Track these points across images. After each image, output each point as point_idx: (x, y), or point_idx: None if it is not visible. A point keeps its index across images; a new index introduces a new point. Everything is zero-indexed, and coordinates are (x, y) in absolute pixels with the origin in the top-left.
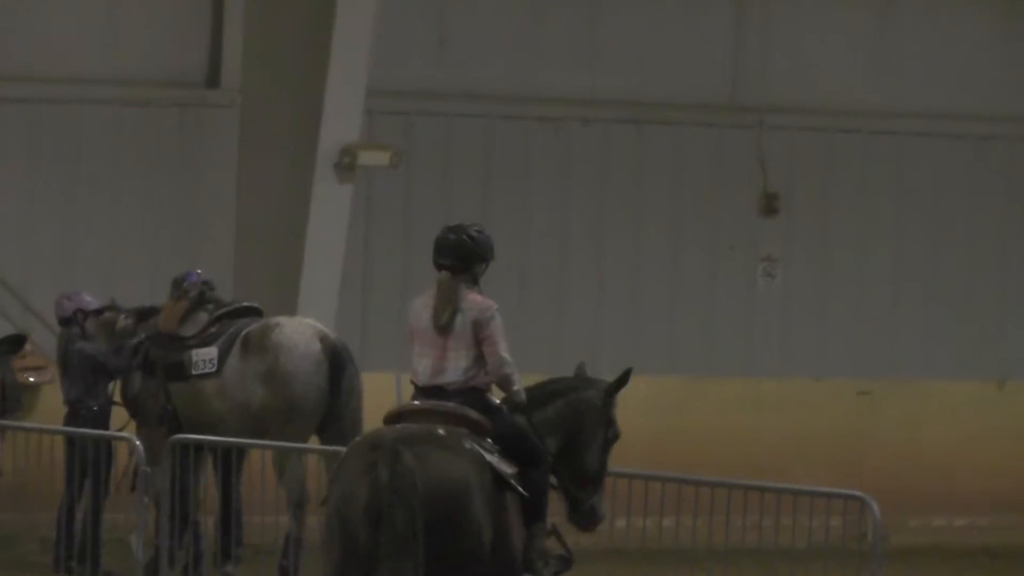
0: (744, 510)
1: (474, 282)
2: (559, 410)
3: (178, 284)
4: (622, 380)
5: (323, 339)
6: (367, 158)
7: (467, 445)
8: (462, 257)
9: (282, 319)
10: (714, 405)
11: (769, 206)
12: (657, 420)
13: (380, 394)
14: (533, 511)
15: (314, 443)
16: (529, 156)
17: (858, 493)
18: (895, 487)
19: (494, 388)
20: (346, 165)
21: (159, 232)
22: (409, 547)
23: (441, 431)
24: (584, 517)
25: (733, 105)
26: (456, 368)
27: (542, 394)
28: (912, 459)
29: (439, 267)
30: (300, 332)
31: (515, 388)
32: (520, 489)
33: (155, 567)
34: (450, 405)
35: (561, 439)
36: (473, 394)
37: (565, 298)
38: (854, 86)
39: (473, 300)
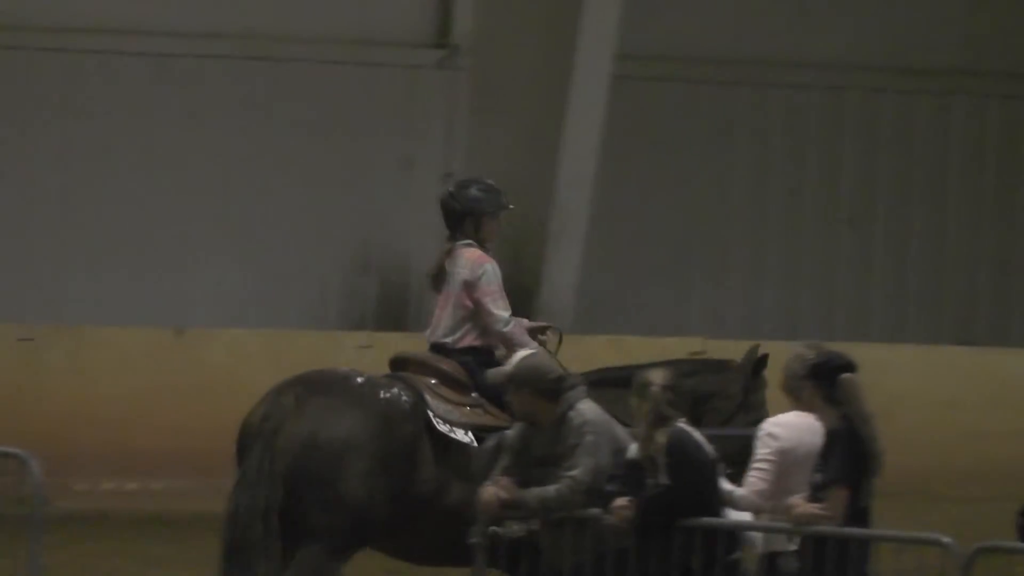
0: None
1: (469, 238)
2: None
3: None
4: (762, 362)
5: None
6: None
7: (384, 395)
8: (446, 215)
9: None
10: None
11: None
12: None
13: None
14: None
15: None
16: None
17: (17, 451)
18: (61, 445)
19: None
20: None
21: None
22: (258, 485)
23: (360, 379)
24: None
25: None
26: (445, 327)
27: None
28: (81, 414)
29: None
30: None
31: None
32: (472, 442)
33: None
34: (425, 354)
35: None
36: (466, 354)
37: None
38: None
39: (467, 258)
